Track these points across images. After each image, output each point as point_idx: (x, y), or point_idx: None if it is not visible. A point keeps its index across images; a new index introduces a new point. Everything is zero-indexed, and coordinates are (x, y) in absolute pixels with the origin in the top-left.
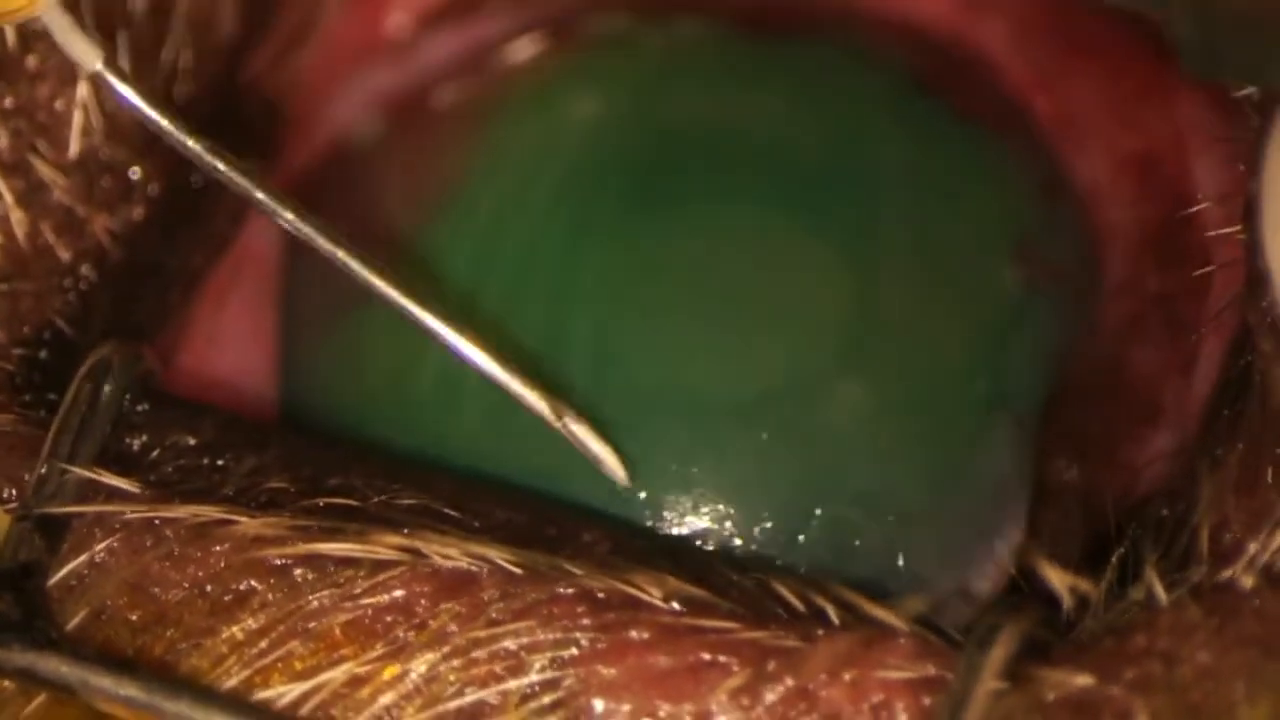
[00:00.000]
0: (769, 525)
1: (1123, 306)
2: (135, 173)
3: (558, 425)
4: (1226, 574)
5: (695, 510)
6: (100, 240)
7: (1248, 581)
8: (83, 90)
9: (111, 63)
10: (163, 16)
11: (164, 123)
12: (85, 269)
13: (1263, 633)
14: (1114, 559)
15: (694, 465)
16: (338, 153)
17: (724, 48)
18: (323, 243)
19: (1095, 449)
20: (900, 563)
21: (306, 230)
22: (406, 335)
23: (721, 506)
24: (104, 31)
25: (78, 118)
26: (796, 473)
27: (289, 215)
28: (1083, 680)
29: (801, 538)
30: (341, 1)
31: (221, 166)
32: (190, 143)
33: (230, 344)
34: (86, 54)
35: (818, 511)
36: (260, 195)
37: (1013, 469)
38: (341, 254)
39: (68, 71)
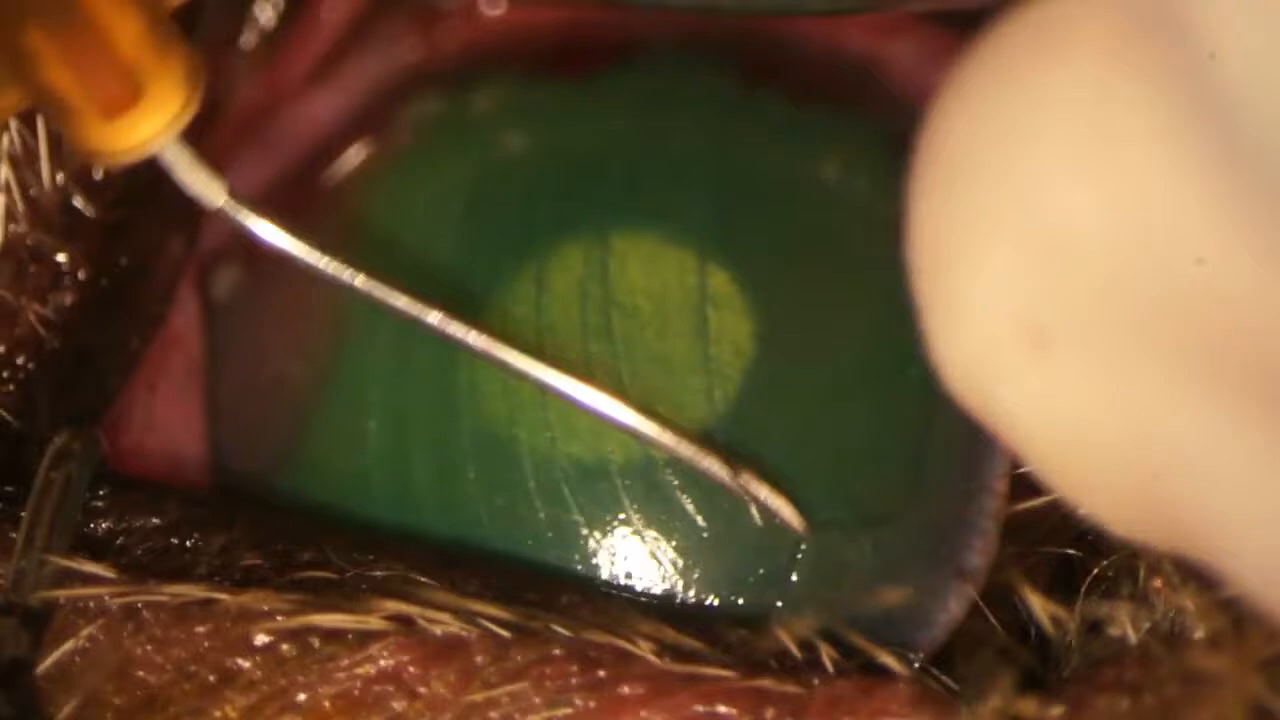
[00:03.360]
0: (750, 569)
1: None
2: (62, 258)
3: (731, 482)
4: (1190, 609)
5: (669, 562)
6: (35, 329)
7: (1201, 628)
8: (4, 173)
9: (235, 195)
10: None
11: (298, 247)
12: (22, 359)
13: (1220, 669)
14: (1084, 586)
15: (653, 516)
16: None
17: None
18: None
19: None
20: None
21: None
22: (346, 414)
23: (696, 555)
24: (20, 114)
25: (1, 203)
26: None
27: (434, 318)
28: (1055, 711)
29: (790, 575)
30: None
31: (359, 282)
32: (324, 264)
33: (164, 425)
34: (210, 189)
35: (796, 544)
36: (404, 303)
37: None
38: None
39: None
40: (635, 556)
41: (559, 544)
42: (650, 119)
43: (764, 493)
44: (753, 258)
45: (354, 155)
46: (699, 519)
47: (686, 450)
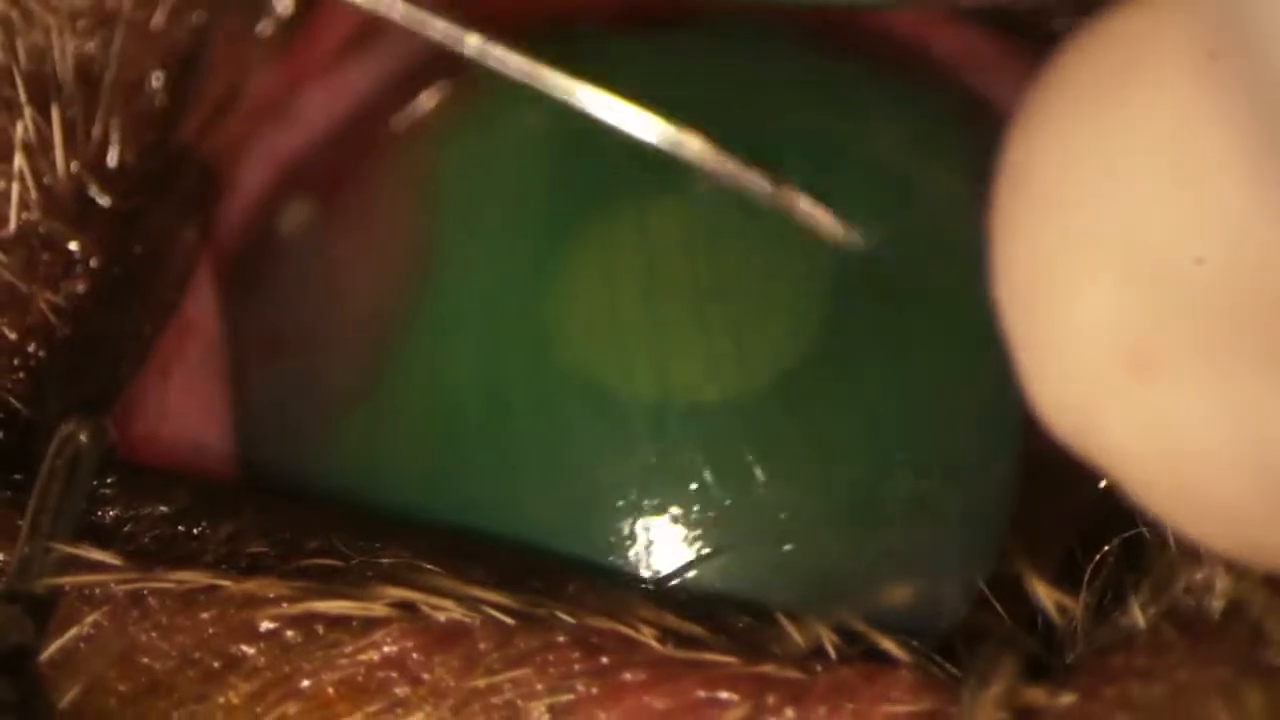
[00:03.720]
0: (760, 554)
1: None
2: (75, 246)
3: (773, 192)
4: (1201, 591)
5: (678, 548)
6: (46, 317)
7: (1218, 604)
8: (18, 161)
9: None
10: (92, 86)
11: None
12: (33, 347)
13: (1234, 652)
14: (1087, 575)
15: (669, 495)
16: (272, 246)
17: (624, 47)
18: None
19: None
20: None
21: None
22: (436, 346)
23: (706, 541)
24: (35, 102)
25: (15, 191)
26: (782, 494)
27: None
28: (1067, 699)
29: (792, 564)
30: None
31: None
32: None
33: (178, 413)
34: None
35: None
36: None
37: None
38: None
39: (3, 145)
40: (690, 519)
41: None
42: (729, 76)
43: (806, 204)
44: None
45: (432, 97)
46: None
47: (729, 166)
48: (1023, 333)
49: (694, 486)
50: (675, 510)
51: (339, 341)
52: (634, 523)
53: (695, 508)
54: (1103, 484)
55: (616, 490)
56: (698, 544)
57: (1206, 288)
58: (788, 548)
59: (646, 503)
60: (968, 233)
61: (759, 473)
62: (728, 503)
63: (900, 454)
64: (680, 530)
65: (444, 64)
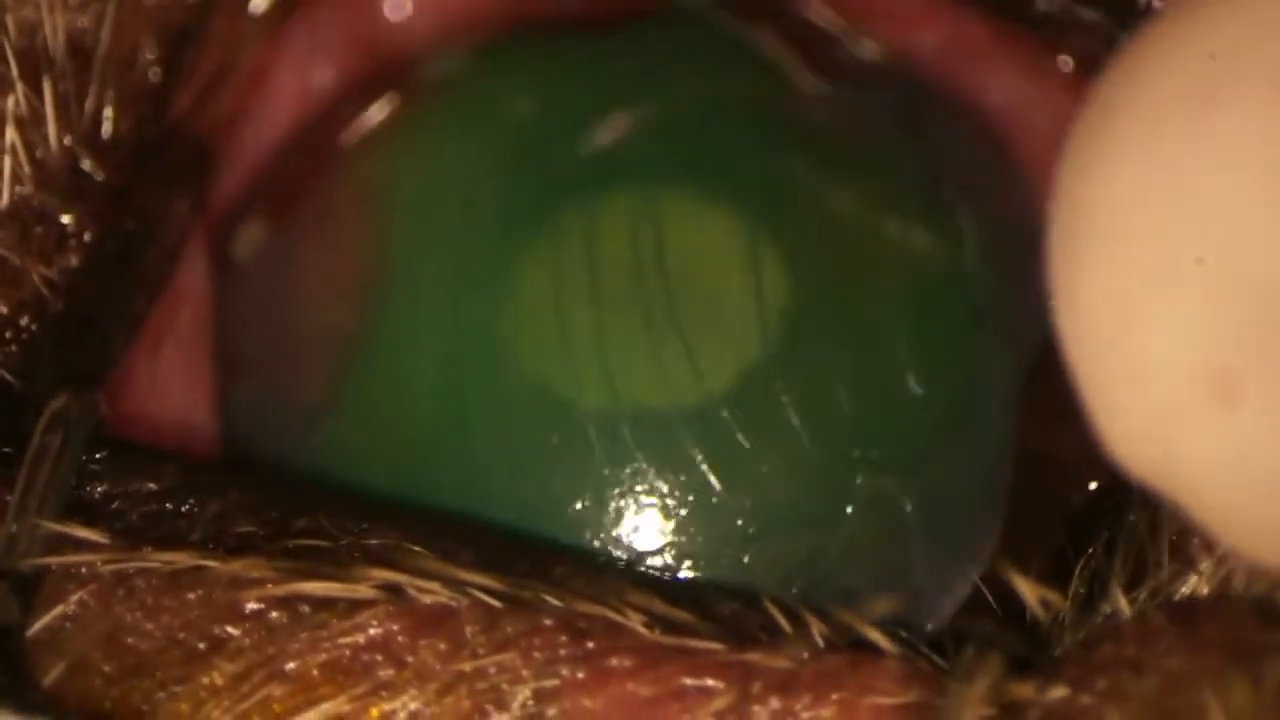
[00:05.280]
0: (748, 547)
1: None
2: (68, 219)
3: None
4: (1187, 581)
5: (666, 536)
6: (39, 290)
7: (1205, 589)
8: (10, 134)
9: None
10: (84, 60)
11: None
12: (25, 320)
13: (1224, 637)
14: (1077, 570)
15: (656, 487)
16: (228, 270)
17: (571, 50)
18: None
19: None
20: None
21: None
22: (393, 365)
23: (693, 530)
24: (26, 77)
25: (8, 165)
26: (740, 502)
27: None
28: (1057, 692)
29: (781, 556)
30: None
31: None
32: None
33: (169, 387)
34: None
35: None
36: None
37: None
38: None
39: None
40: (649, 525)
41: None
42: (690, 77)
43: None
44: (798, 217)
45: (382, 110)
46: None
47: None
48: (1093, 367)
49: (648, 496)
50: (631, 521)
51: (299, 360)
52: (590, 533)
53: (651, 518)
54: (1092, 486)
55: (573, 500)
56: (657, 555)
57: None
58: (747, 558)
59: (602, 512)
60: (920, 234)
61: (714, 481)
62: (684, 512)
63: (859, 456)
64: (639, 540)
65: (393, 75)
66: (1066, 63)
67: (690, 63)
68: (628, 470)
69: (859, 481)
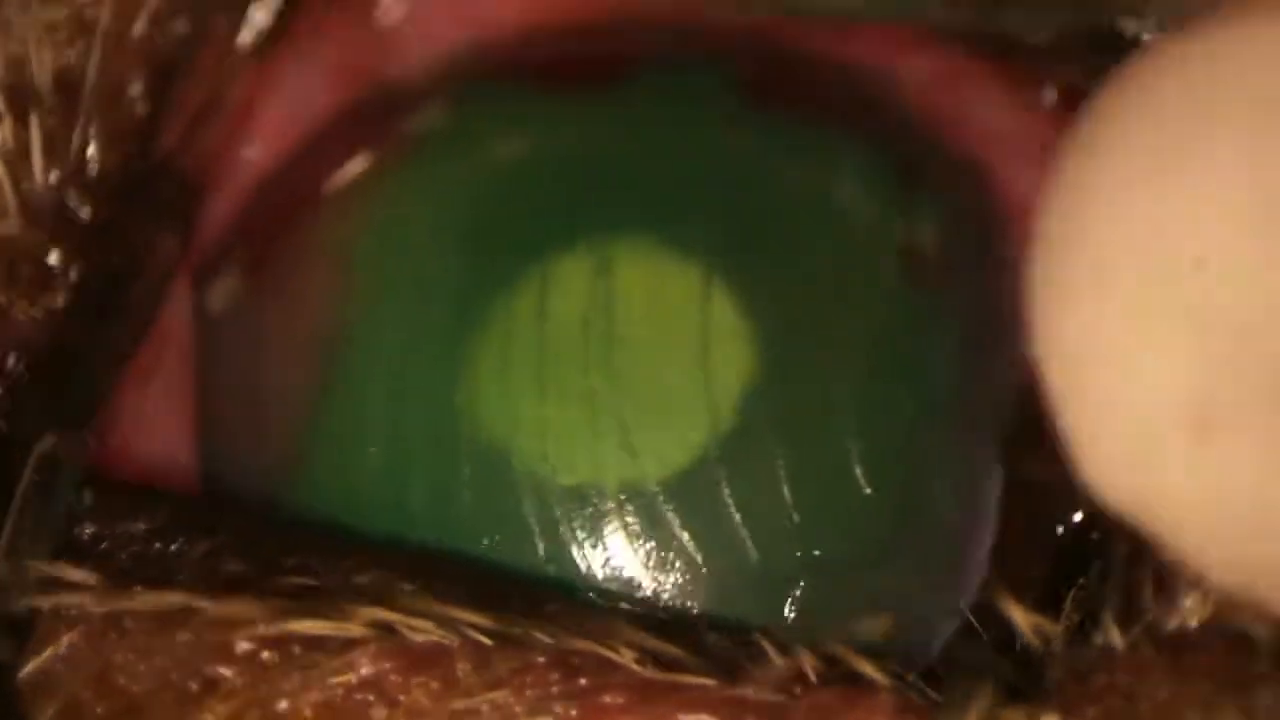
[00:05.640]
0: (738, 585)
1: None
2: (54, 258)
3: None
4: (1176, 615)
5: (657, 574)
6: (24, 330)
7: (1194, 621)
8: None
9: None
10: (71, 95)
11: None
12: (11, 361)
13: (1212, 667)
14: (1069, 599)
15: (639, 534)
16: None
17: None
18: None
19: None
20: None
21: None
22: (344, 430)
23: (682, 571)
24: (14, 112)
25: None
26: (752, 531)
27: None
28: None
29: (772, 595)
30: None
31: None
32: None
33: (154, 425)
34: None
35: (784, 571)
36: None
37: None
38: None
39: None
40: (626, 577)
41: (551, 562)
42: (652, 133)
43: None
44: (758, 280)
45: (354, 166)
46: (695, 549)
47: None
48: (1072, 400)
49: (581, 573)
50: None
51: (268, 414)
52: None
53: (591, 594)
54: (1078, 517)
55: (516, 572)
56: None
57: (1271, 343)
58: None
59: (540, 585)
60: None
61: (651, 563)
62: (617, 589)
63: (800, 556)
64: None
65: (372, 128)
66: (1050, 94)
67: (658, 121)
68: (560, 539)
69: (802, 581)
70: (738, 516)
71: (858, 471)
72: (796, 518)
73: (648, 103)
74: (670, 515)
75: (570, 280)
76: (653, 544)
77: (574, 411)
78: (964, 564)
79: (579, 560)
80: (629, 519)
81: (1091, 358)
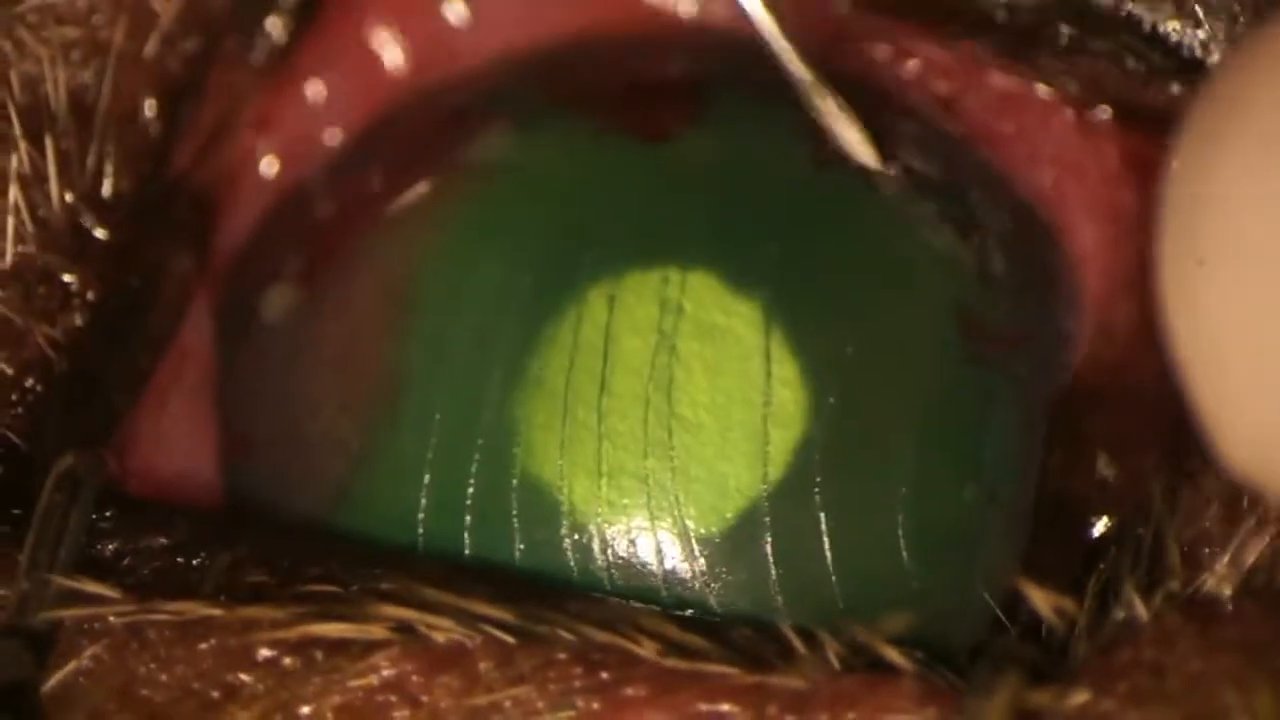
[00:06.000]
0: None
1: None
2: (71, 279)
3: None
4: (1204, 584)
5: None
6: (43, 351)
7: (1226, 589)
8: (14, 194)
9: None
10: (86, 116)
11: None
12: (30, 381)
13: (1244, 637)
14: (1094, 578)
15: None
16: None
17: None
18: None
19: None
20: None
21: None
22: (401, 461)
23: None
24: (29, 135)
25: (11, 225)
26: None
27: None
28: (1078, 698)
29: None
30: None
31: None
32: None
33: (174, 443)
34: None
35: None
36: None
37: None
38: None
39: None
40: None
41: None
42: (720, 185)
43: (844, 125)
44: (819, 334)
45: (418, 191)
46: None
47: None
48: (1211, 369)
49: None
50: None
51: (307, 458)
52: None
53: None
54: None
55: (540, 575)
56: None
57: None
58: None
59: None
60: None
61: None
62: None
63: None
64: None
65: (443, 154)
66: (1105, 111)
67: (726, 168)
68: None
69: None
70: (775, 571)
71: (901, 545)
72: (834, 579)
73: (718, 153)
74: (707, 561)
75: (631, 358)
76: (687, 578)
77: (630, 492)
78: (990, 570)
79: (608, 583)
80: (658, 583)
81: (1232, 327)
